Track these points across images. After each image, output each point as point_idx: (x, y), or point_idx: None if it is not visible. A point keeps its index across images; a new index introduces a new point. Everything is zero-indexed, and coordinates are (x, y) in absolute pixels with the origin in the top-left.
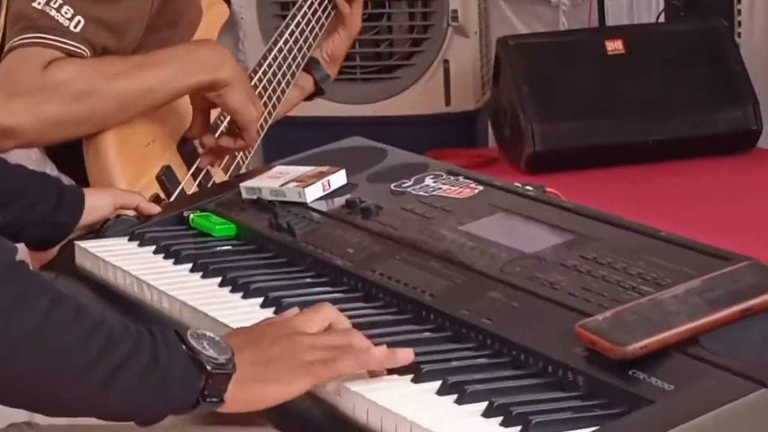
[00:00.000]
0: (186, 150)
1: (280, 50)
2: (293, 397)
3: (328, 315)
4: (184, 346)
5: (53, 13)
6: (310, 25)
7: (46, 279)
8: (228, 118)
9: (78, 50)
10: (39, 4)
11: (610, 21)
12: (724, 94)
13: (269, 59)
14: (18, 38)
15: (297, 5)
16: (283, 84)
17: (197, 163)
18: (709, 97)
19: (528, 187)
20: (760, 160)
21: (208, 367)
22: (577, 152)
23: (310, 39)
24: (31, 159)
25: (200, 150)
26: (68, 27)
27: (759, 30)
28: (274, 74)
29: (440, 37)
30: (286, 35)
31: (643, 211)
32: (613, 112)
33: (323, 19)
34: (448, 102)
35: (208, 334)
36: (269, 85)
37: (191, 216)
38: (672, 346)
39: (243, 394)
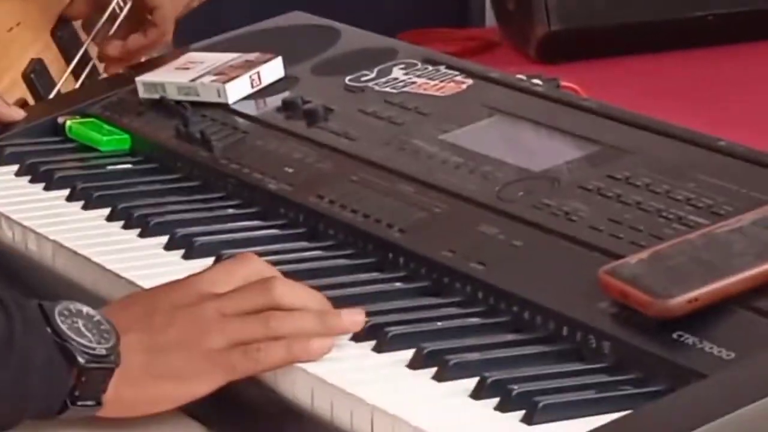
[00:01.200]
0: (64, 36)
1: None
2: (198, 398)
3: (253, 270)
4: (49, 329)
5: None
6: None
7: None
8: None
9: None
10: None
11: None
12: None
13: None
14: None
15: None
16: None
17: (80, 54)
18: None
19: (536, 81)
20: None
21: (81, 360)
22: (607, 33)
23: None
24: None
25: (83, 36)
26: None
27: None
28: None
29: None
30: None
31: (694, 113)
32: None
33: None
34: None
35: (84, 310)
36: None
37: (69, 123)
38: (733, 298)
39: (129, 393)
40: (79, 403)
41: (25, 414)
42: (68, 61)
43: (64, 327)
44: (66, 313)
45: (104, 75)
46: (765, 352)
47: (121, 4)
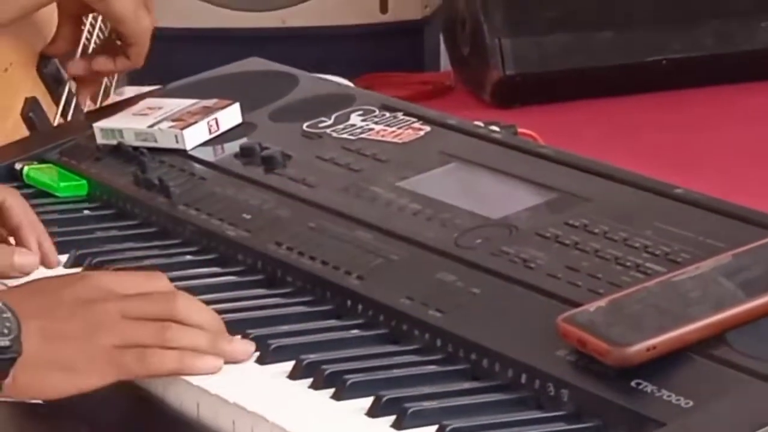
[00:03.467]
0: (49, 73)
1: None
2: (85, 392)
3: (158, 286)
4: None
5: None
6: None
7: None
8: (99, 26)
9: None
10: None
11: None
12: None
13: None
14: None
15: None
16: None
17: (65, 91)
18: (743, 1)
19: (493, 128)
20: None
21: None
22: (562, 78)
23: None
24: None
25: (64, 72)
26: None
27: None
28: None
29: None
30: None
31: (652, 160)
32: (611, 22)
33: None
34: (384, 9)
35: None
36: None
37: (26, 169)
38: (691, 346)
39: (24, 379)
40: None
41: None
42: (54, 96)
43: None
44: None
45: (89, 108)
46: (722, 400)
47: (89, 35)
